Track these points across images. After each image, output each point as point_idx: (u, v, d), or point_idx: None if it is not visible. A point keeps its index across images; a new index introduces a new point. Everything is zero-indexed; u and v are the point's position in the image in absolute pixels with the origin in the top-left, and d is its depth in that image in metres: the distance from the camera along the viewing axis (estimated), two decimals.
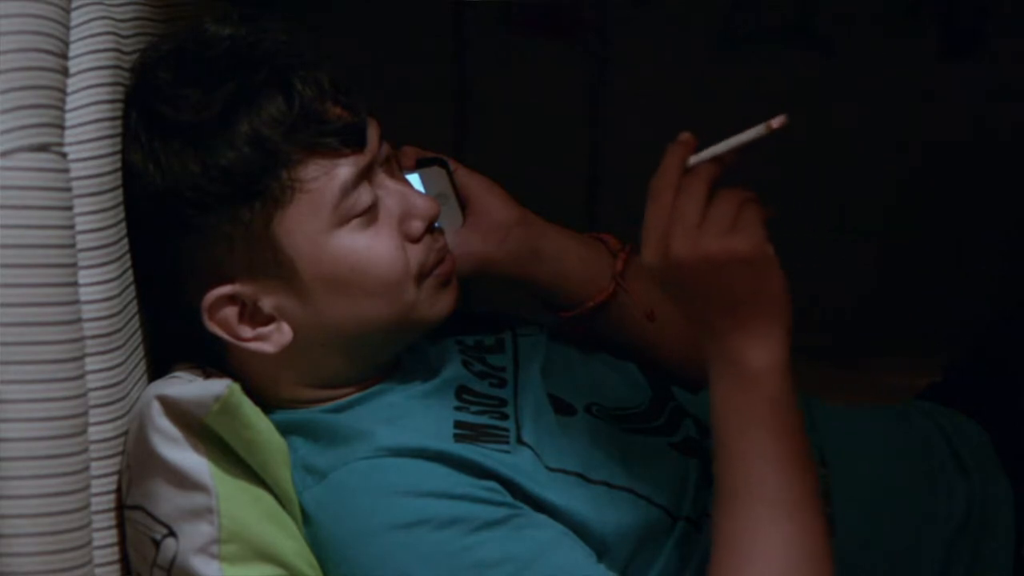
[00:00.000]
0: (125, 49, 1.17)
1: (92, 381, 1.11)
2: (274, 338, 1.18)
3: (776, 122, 1.06)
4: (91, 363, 1.11)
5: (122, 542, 1.15)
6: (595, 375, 1.35)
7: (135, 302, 1.17)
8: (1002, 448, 1.33)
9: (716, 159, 1.09)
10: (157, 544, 1.12)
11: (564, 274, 1.34)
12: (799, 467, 1.10)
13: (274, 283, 1.17)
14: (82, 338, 1.10)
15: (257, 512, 1.14)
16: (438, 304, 1.22)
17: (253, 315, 1.18)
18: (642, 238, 1.10)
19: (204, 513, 1.11)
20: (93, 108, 1.12)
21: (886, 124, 1.85)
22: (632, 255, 1.35)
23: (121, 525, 1.15)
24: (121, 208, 1.15)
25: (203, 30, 1.17)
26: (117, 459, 1.14)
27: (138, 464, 1.13)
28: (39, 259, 1.07)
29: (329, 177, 1.15)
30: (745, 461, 1.10)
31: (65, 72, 1.10)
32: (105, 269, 1.12)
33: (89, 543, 1.11)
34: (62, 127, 1.09)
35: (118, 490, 1.15)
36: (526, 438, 1.21)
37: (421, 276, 1.20)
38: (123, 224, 1.15)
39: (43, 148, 1.07)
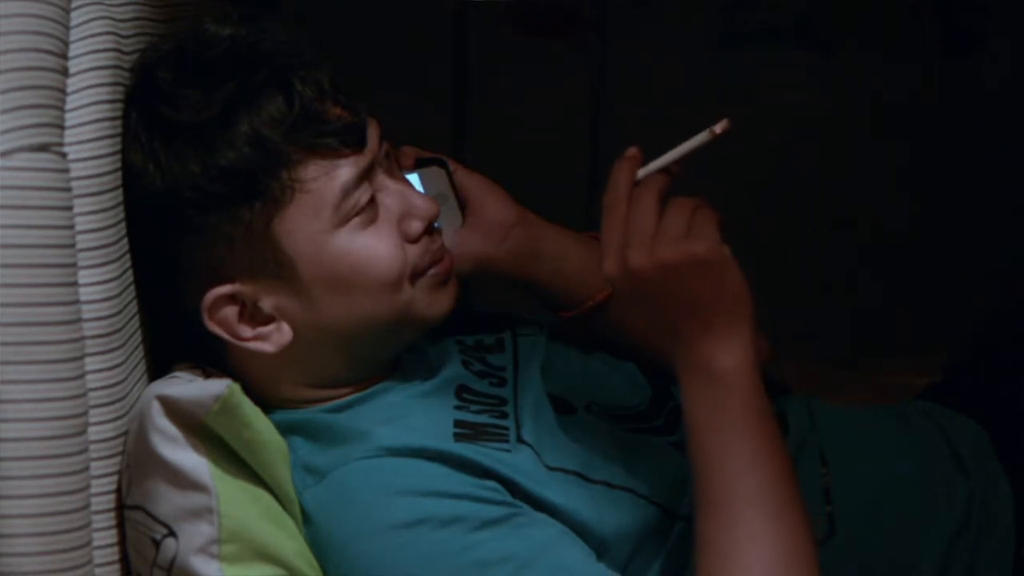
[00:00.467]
0: (125, 49, 1.17)
1: (92, 381, 1.11)
2: (274, 338, 1.18)
3: (719, 127, 1.08)
4: (91, 363, 1.11)
5: (122, 542, 1.15)
6: (595, 375, 1.35)
7: (135, 302, 1.17)
8: (1002, 448, 1.33)
9: (664, 169, 1.11)
10: (157, 544, 1.12)
11: (564, 274, 1.34)
12: (775, 464, 1.10)
13: (274, 283, 1.17)
14: (82, 338, 1.10)
15: (257, 512, 1.14)
16: (436, 303, 1.22)
17: (253, 315, 1.18)
18: (600, 253, 1.11)
19: (204, 513, 1.11)
20: (93, 108, 1.12)
21: (886, 124, 1.85)
22: None
23: (121, 525, 1.15)
24: (121, 208, 1.14)
25: (203, 30, 1.18)
26: (117, 459, 1.14)
27: (138, 464, 1.13)
28: (39, 259, 1.07)
29: (329, 177, 1.15)
30: (721, 462, 1.10)
31: (65, 72, 1.10)
32: (105, 269, 1.12)
33: (89, 543, 1.11)
34: (62, 127, 1.09)
35: (118, 490, 1.15)
36: (526, 437, 1.21)
37: (415, 275, 1.20)
38: (123, 224, 1.15)
39: (43, 148, 1.07)
